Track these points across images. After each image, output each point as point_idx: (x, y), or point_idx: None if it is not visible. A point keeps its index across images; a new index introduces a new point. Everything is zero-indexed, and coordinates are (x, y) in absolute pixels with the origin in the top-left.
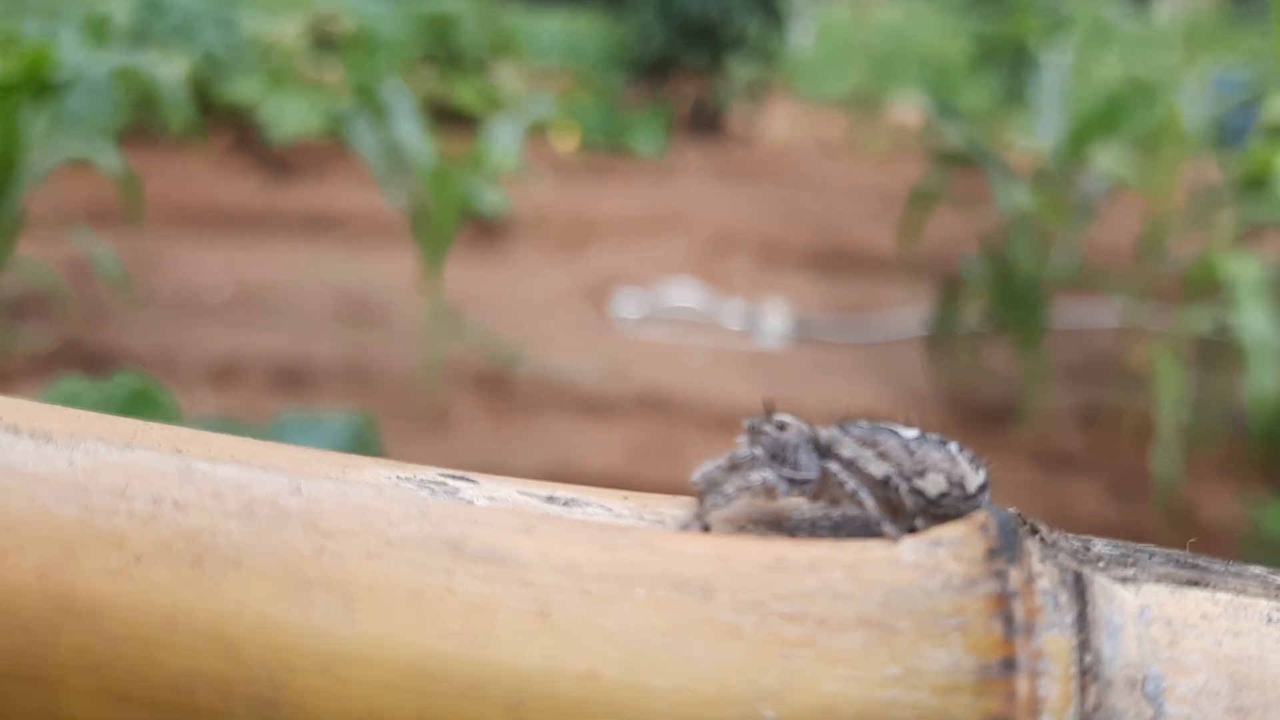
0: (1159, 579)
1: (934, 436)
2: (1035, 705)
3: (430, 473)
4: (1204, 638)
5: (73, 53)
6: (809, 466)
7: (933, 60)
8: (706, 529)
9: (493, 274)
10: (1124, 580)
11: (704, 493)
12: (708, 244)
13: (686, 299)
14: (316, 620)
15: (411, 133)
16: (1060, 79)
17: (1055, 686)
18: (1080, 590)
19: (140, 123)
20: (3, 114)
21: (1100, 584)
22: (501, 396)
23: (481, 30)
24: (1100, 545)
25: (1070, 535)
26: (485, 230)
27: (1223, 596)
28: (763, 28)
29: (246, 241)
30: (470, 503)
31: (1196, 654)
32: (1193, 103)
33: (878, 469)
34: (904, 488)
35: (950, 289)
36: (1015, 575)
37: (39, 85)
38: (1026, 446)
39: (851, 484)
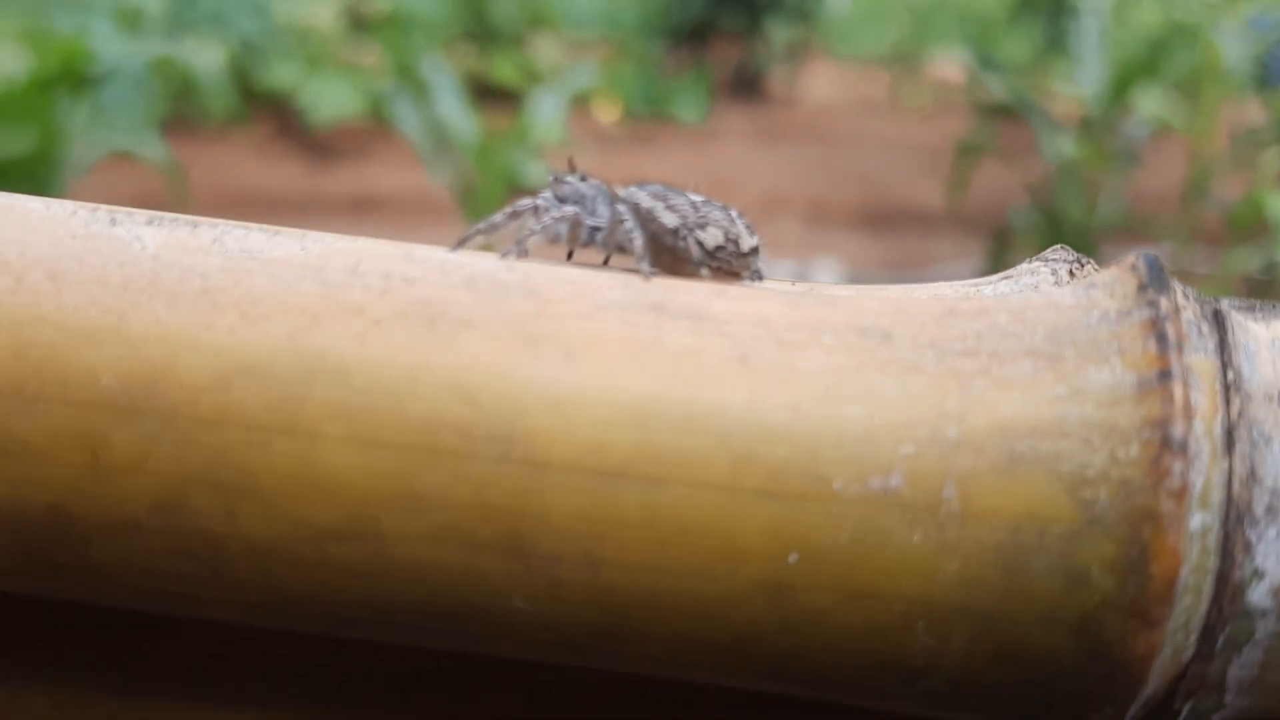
0: None
1: (718, 203)
2: (1189, 410)
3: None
4: None
5: (107, 44)
6: (605, 215)
7: (972, 13)
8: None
9: None
10: (1255, 318)
11: (490, 230)
12: (754, 207)
13: None
14: (544, 369)
15: (454, 110)
16: (1100, 25)
17: (1204, 398)
18: (1220, 322)
19: (181, 112)
20: (39, 109)
21: (1236, 318)
22: None
23: (517, 4)
24: (1228, 301)
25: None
26: None
27: None
28: None
29: (292, 225)
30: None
31: None
32: (1232, 43)
33: (667, 219)
34: (690, 238)
35: (1000, 241)
36: (1165, 303)
37: (75, 79)
38: None
39: (630, 223)
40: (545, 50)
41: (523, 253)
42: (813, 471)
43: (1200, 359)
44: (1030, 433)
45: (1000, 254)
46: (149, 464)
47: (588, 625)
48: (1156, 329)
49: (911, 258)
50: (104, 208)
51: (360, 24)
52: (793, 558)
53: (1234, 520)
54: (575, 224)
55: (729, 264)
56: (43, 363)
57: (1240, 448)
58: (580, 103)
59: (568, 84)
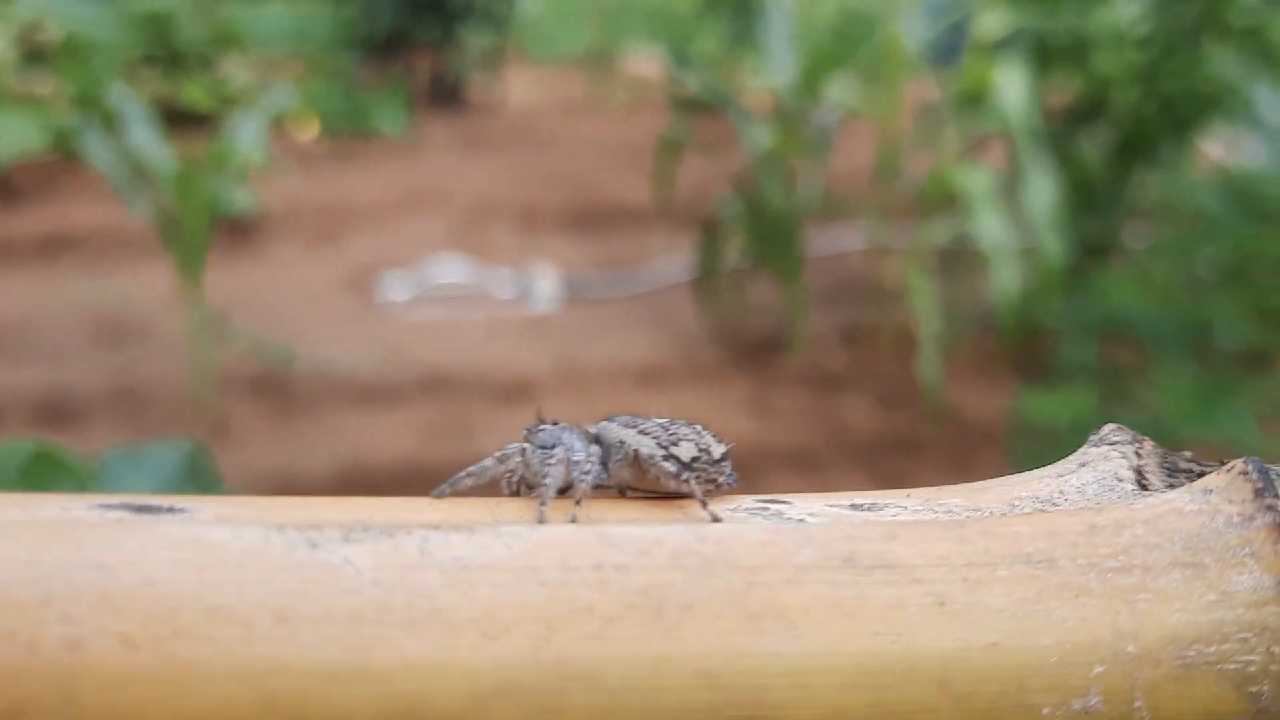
0: None
1: (682, 421)
2: None
3: (750, 500)
4: None
5: None
6: (582, 452)
7: (661, 11)
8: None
9: (252, 275)
10: None
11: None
12: (466, 217)
13: (453, 274)
14: (772, 643)
15: (147, 139)
16: (786, 19)
17: None
18: None
19: None
20: None
21: None
22: (280, 399)
23: (200, 25)
24: None
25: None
26: (237, 231)
27: None
28: None
29: None
30: (804, 521)
31: None
32: (910, 28)
33: (645, 445)
34: (660, 455)
35: (709, 232)
36: None
37: None
38: (797, 372)
39: (618, 454)
40: (235, 71)
41: (552, 495)
42: (1024, 703)
43: None
44: (1196, 640)
45: (710, 245)
46: None
47: None
48: None
49: (624, 256)
50: (290, 528)
51: (34, 54)
52: None
53: None
54: (567, 464)
55: (706, 472)
56: (297, 711)
57: None
58: (274, 123)
59: (268, 105)
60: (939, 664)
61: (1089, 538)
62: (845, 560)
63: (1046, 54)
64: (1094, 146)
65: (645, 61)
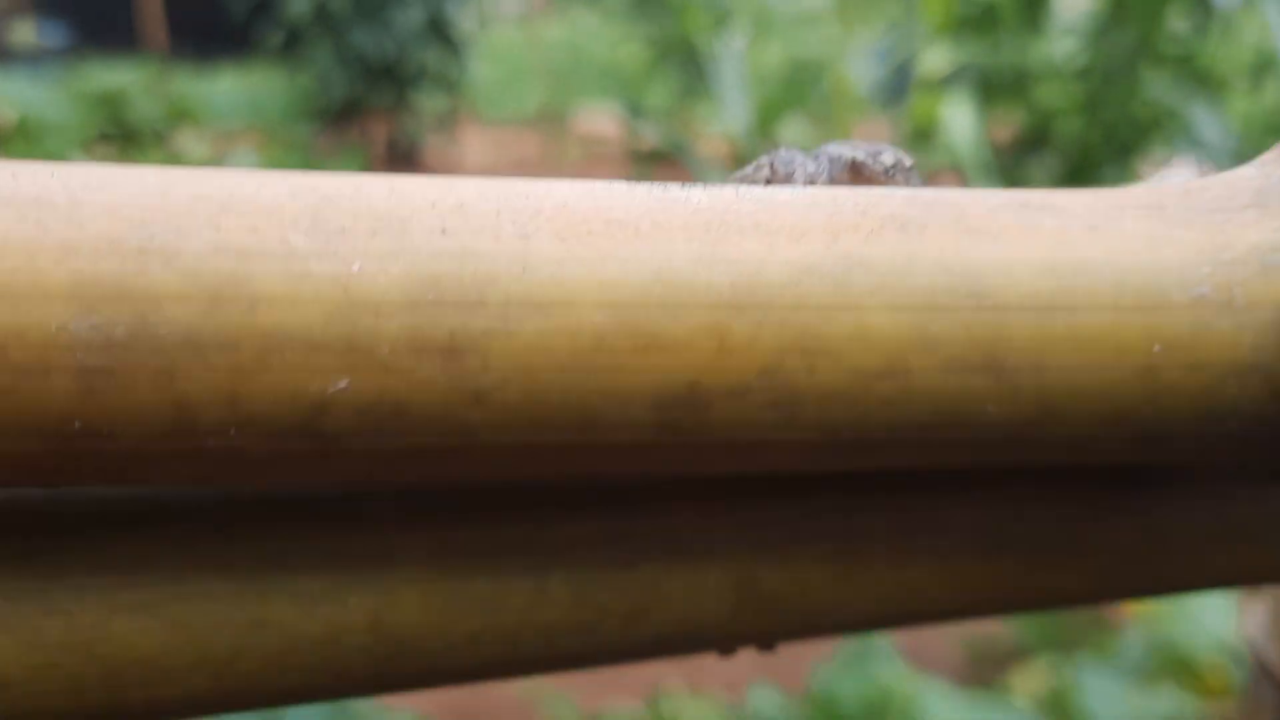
0: None
1: (880, 142)
2: None
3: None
4: None
5: None
6: (815, 158)
7: (611, 68)
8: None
9: None
10: None
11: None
12: None
13: None
14: (981, 249)
15: None
16: (738, 67)
17: None
18: None
19: None
20: None
21: None
22: None
23: (154, 101)
24: None
25: None
26: None
27: None
28: (441, 58)
29: None
30: None
31: None
32: (858, 70)
33: (860, 153)
34: (872, 160)
35: None
36: None
37: None
38: None
39: (839, 161)
40: (190, 144)
41: (811, 179)
42: (1160, 289)
43: None
44: (1270, 249)
45: None
46: (757, 343)
47: (1029, 418)
48: None
49: None
50: (639, 181)
51: None
52: (1157, 348)
53: None
54: (805, 168)
55: (904, 175)
56: (675, 281)
57: None
58: None
59: None
60: (1096, 265)
61: (1186, 193)
62: (1022, 204)
63: (990, 88)
64: (1042, 175)
65: (597, 118)
